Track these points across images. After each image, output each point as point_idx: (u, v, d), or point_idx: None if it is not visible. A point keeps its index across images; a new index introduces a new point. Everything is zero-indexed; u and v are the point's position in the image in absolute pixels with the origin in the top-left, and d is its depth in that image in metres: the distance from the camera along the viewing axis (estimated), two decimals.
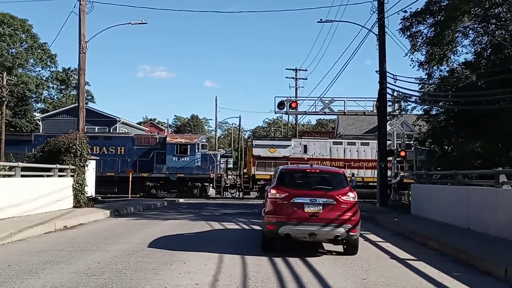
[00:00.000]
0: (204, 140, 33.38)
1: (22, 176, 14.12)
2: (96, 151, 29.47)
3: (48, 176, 15.88)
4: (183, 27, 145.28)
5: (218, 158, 32.58)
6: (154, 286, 6.27)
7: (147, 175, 30.06)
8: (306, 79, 46.69)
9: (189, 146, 30.24)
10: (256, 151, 31.31)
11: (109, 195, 28.38)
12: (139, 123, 70.80)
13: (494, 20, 19.71)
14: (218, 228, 13.16)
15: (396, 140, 27.29)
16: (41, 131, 41.75)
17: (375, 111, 23.86)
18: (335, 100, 26.46)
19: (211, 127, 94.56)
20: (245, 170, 33.49)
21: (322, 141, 32.47)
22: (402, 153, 25.32)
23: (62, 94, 62.23)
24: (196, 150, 30.34)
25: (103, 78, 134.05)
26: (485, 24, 20.06)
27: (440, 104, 20.57)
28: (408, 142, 28.40)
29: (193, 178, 30.47)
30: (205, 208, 21.54)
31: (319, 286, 6.56)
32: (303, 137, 35.88)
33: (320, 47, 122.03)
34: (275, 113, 27.25)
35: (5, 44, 49.44)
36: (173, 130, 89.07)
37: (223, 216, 17.23)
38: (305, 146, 31.72)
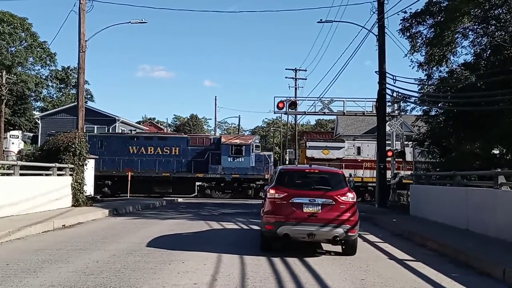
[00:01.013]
0: (257, 141, 33.33)
1: (21, 174, 14.10)
2: (151, 151, 29.85)
3: (47, 175, 15.86)
4: (183, 27, 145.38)
5: (272, 159, 32.46)
6: (153, 286, 6.27)
7: (202, 176, 30.07)
8: (305, 79, 46.76)
9: (244, 147, 30.08)
10: (310, 153, 31.34)
11: (166, 195, 28.78)
12: (139, 122, 70.76)
13: (494, 22, 19.71)
14: (217, 228, 13.16)
15: (395, 141, 27.29)
16: (40, 130, 41.74)
17: (374, 112, 23.85)
18: (335, 101, 26.45)
19: (211, 126, 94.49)
20: None
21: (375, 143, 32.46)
22: (401, 154, 25.32)
23: (61, 93, 62.27)
24: (251, 151, 30.26)
25: (102, 77, 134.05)
26: (484, 25, 20.06)
27: (439, 105, 20.58)
28: (407, 143, 28.41)
29: (248, 178, 30.37)
30: (204, 207, 21.54)
31: (317, 286, 6.56)
32: (356, 139, 35.72)
33: (320, 47, 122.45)
34: (275, 113, 27.24)
35: (5, 42, 49.48)
36: (172, 130, 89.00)
37: (221, 215, 17.23)
38: (359, 148, 31.92)
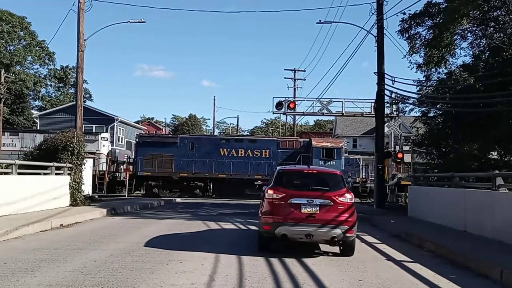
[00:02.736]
0: (346, 145, 33.15)
1: (19, 174, 14.08)
2: (241, 154, 29.95)
3: (45, 174, 15.82)
4: (182, 27, 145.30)
5: (361, 162, 32.15)
6: (150, 286, 6.26)
7: None
8: (304, 79, 46.57)
9: (335, 150, 29.72)
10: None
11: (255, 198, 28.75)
12: (137, 122, 70.69)
13: (493, 23, 19.77)
14: (215, 228, 13.15)
15: (394, 142, 27.34)
16: (38, 128, 41.68)
17: (373, 113, 23.89)
18: (333, 101, 26.50)
19: (209, 126, 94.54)
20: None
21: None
22: (400, 155, 25.38)
23: (60, 92, 62.15)
24: (342, 154, 29.98)
25: (101, 76, 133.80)
26: (483, 27, 20.12)
27: (438, 106, 20.62)
28: (405, 144, 28.46)
29: None
30: (202, 207, 21.52)
31: (315, 287, 6.57)
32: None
33: (319, 48, 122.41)
34: (273, 113, 27.34)
35: (3, 41, 49.35)
36: (171, 129, 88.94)
37: (219, 216, 17.22)
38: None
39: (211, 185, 30.99)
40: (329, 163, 29.19)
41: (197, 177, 29.91)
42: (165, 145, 30.65)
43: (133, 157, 32.52)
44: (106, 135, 32.96)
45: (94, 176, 28.33)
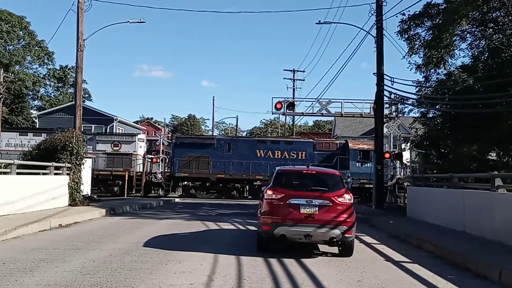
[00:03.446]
0: None
1: (18, 173, 14.06)
2: (278, 155, 29.93)
3: (44, 174, 15.80)
4: (181, 27, 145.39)
5: (398, 164, 31.78)
6: (149, 286, 6.26)
7: None
8: (303, 80, 46.51)
9: (371, 152, 28.76)
10: None
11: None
12: (136, 122, 70.76)
13: (492, 24, 19.79)
14: (214, 228, 13.14)
15: (393, 142, 27.36)
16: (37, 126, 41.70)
17: (372, 113, 23.89)
18: (332, 102, 26.47)
19: (208, 127, 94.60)
20: None
21: None
22: (399, 156, 25.39)
23: (59, 92, 62.07)
24: None
25: (100, 76, 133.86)
26: (482, 28, 20.14)
27: (437, 107, 20.65)
28: (404, 144, 28.47)
29: None
30: (201, 208, 21.50)
31: (314, 287, 6.57)
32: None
33: (318, 48, 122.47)
34: (273, 113, 27.32)
35: (3, 41, 49.30)
36: (170, 130, 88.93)
37: (218, 216, 17.21)
38: None
39: (246, 187, 30.80)
40: (366, 165, 29.20)
41: (234, 179, 29.85)
42: (202, 146, 30.58)
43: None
44: (143, 136, 32.92)
45: (131, 177, 28.70)
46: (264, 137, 35.53)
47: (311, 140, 32.17)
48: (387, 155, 25.04)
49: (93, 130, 38.21)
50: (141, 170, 29.51)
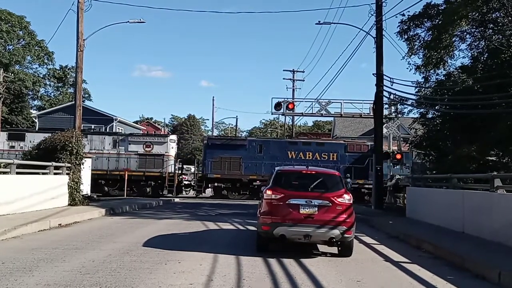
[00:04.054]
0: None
1: (18, 173, 14.06)
2: (309, 157, 29.84)
3: (43, 173, 15.80)
4: (181, 27, 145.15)
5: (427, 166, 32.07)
6: (148, 285, 6.27)
7: (362, 182, 29.49)
8: (303, 80, 46.47)
9: (403, 154, 28.89)
10: None
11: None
12: (136, 122, 70.76)
13: (491, 25, 19.81)
14: (213, 228, 13.15)
15: (392, 143, 27.36)
16: (37, 129, 41.66)
17: (371, 114, 23.91)
18: (332, 102, 26.50)
19: (208, 127, 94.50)
20: None
21: None
22: (398, 156, 25.39)
23: (59, 92, 62.12)
24: (409, 158, 29.62)
25: (100, 76, 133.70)
26: (482, 28, 20.16)
27: (436, 107, 20.66)
28: (404, 145, 28.48)
29: (406, 185, 29.99)
30: (201, 208, 21.51)
31: (313, 287, 6.58)
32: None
33: (318, 49, 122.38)
34: (272, 114, 27.33)
35: (2, 40, 49.36)
36: (169, 130, 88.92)
37: (218, 216, 17.22)
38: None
39: None
40: (397, 166, 28.99)
41: (266, 180, 29.64)
42: (234, 147, 30.62)
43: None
44: (174, 137, 32.98)
45: (163, 178, 28.72)
46: (296, 139, 35.40)
47: (343, 142, 32.20)
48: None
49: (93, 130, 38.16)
50: (172, 170, 29.65)
